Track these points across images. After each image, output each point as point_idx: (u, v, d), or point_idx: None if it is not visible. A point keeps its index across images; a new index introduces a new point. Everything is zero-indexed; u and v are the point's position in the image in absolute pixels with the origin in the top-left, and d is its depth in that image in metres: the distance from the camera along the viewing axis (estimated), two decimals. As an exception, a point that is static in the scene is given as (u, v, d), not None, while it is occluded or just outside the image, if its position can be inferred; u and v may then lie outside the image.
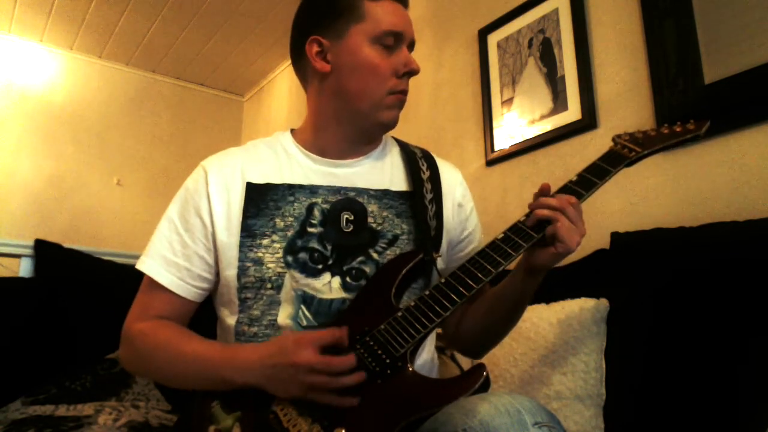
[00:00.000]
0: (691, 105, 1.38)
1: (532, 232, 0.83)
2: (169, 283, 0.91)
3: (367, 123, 0.97)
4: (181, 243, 0.93)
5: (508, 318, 0.96)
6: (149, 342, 0.89)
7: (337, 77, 0.95)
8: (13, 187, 3.23)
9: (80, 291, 1.82)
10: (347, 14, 0.93)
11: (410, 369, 0.78)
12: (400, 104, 0.97)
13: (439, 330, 1.08)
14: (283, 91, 3.69)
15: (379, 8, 0.93)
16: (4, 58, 3.33)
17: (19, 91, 3.35)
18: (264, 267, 0.90)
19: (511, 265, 0.86)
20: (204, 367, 0.84)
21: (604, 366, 1.20)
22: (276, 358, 0.77)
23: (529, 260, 0.86)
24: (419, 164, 1.02)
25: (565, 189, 0.87)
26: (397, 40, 0.94)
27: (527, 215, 0.86)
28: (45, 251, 1.87)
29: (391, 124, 0.98)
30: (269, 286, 0.90)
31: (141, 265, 0.93)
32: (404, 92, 0.96)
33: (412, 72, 0.95)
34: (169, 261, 0.92)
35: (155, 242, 0.94)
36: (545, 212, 0.82)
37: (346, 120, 0.97)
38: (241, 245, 0.91)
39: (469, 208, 1.06)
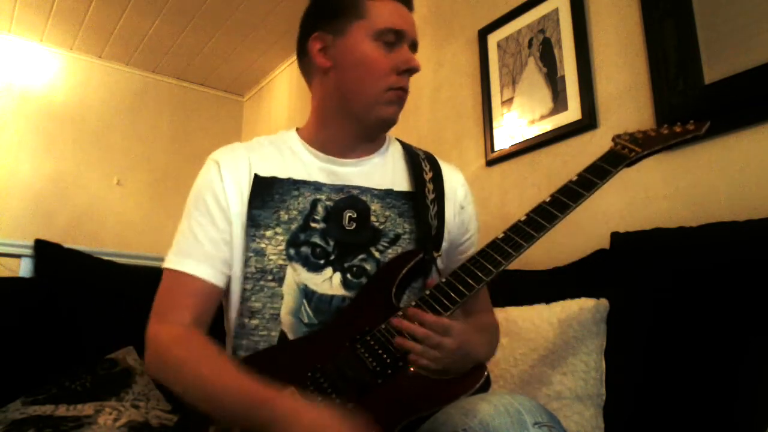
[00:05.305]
0: (691, 105, 1.38)
1: (532, 232, 0.83)
2: (202, 272, 0.89)
3: (367, 119, 0.97)
4: (205, 233, 0.91)
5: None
6: (183, 356, 0.82)
7: (337, 73, 0.96)
8: (13, 187, 3.23)
9: (80, 291, 1.82)
10: (349, 12, 0.95)
11: (411, 369, 0.78)
12: (400, 101, 0.97)
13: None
14: (283, 91, 3.68)
15: (380, 6, 0.94)
16: (4, 58, 3.33)
17: (19, 91, 3.35)
18: (266, 258, 0.90)
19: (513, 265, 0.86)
20: (242, 403, 0.73)
21: (604, 366, 1.20)
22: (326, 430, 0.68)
23: None
24: (422, 165, 1.03)
25: (565, 189, 0.88)
26: (398, 37, 0.94)
27: (528, 215, 0.86)
28: (45, 251, 1.87)
29: (391, 120, 0.98)
30: (270, 278, 0.90)
31: (170, 264, 0.90)
32: (404, 89, 0.96)
33: (413, 69, 0.95)
34: (198, 252, 0.90)
35: (181, 240, 0.92)
36: (407, 344, 0.78)
37: (347, 116, 0.97)
38: (245, 235, 0.91)
39: (470, 211, 1.06)
